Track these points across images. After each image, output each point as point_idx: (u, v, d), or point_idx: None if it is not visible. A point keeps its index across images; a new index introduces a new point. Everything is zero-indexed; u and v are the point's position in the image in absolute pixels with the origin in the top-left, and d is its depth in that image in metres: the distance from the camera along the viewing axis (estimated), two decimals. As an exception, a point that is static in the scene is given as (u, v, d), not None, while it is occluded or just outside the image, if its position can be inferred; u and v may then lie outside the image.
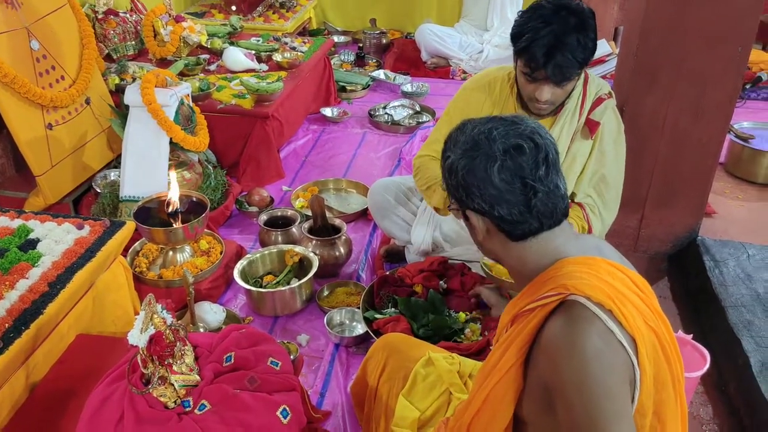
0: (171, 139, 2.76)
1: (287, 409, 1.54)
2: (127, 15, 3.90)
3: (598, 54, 3.73)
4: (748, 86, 4.36)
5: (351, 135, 3.99)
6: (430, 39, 4.89)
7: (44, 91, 2.77)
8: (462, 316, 2.23)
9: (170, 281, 2.46)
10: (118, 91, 3.29)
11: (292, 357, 2.04)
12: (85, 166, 3.04)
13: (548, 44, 1.84)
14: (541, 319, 1.13)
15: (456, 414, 1.37)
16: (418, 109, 4.22)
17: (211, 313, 2.31)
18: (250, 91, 3.36)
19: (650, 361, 1.11)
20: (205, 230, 2.63)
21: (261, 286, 2.52)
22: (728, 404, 2.16)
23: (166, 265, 2.54)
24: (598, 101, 2.15)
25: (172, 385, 1.51)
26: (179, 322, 1.57)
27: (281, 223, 2.85)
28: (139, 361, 1.52)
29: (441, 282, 2.36)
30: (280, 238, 2.77)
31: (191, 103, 2.96)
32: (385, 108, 4.21)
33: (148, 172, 2.73)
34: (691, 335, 2.08)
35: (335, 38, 5.31)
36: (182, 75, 3.60)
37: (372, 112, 4.17)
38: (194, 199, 2.58)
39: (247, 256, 2.61)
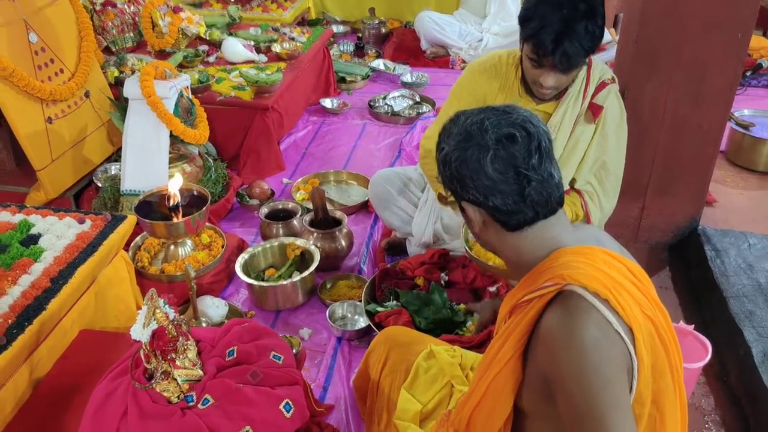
0: (171, 131, 2.75)
1: (290, 403, 1.54)
2: (125, 6, 3.88)
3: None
4: (748, 73, 4.34)
5: (351, 126, 3.98)
6: (429, 27, 4.88)
7: (43, 84, 2.76)
8: (462, 307, 2.24)
9: (172, 276, 2.46)
10: (117, 84, 3.28)
11: (294, 351, 2.05)
12: (86, 160, 3.03)
13: (557, 31, 1.83)
14: (538, 310, 1.14)
15: (457, 406, 1.38)
16: (418, 99, 4.21)
17: (213, 308, 2.32)
18: (250, 82, 3.35)
19: (647, 350, 1.11)
20: (207, 224, 2.63)
21: (263, 280, 2.52)
22: (730, 395, 2.17)
23: (168, 260, 2.54)
24: (601, 86, 2.15)
25: (175, 379, 1.52)
26: (181, 316, 1.57)
27: (282, 216, 2.85)
28: (142, 356, 1.52)
29: (442, 274, 2.37)
30: (281, 231, 2.77)
31: (191, 96, 2.95)
32: (384, 99, 4.20)
33: (149, 165, 2.72)
34: (693, 326, 2.09)
35: (334, 28, 5.29)
36: (181, 67, 3.59)
37: (372, 103, 4.16)
38: (195, 192, 2.58)
39: (249, 249, 2.61)
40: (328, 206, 2.80)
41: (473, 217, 1.21)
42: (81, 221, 2.14)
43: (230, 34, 4.05)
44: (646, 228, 2.79)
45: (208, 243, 2.63)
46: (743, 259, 2.52)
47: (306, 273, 2.47)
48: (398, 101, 4.15)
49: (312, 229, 2.66)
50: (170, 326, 1.51)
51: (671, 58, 2.42)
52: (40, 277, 1.87)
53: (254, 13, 4.83)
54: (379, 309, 2.26)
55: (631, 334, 1.09)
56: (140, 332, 1.50)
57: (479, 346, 2.03)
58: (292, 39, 4.07)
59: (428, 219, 2.52)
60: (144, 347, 1.51)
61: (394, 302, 2.28)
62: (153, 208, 2.52)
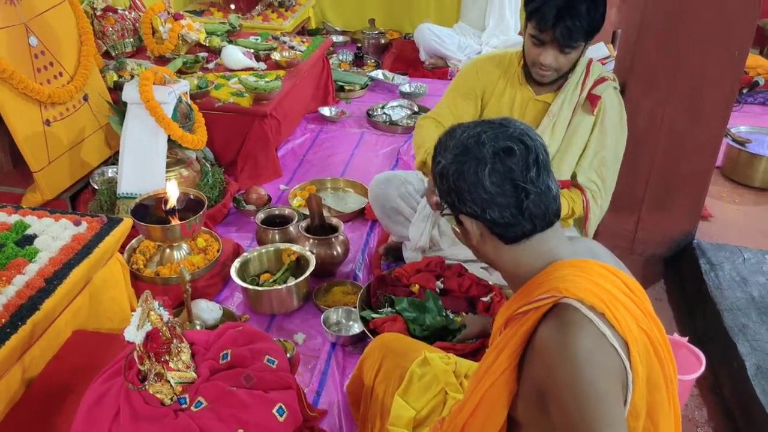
0: (169, 136, 2.76)
1: (283, 407, 1.54)
2: (126, 12, 3.90)
3: (596, 57, 3.74)
4: (745, 91, 4.38)
5: (349, 135, 3.99)
6: (429, 39, 4.90)
7: (42, 87, 2.77)
8: (458, 320, 2.24)
9: (167, 278, 2.46)
10: (116, 88, 3.29)
11: (288, 355, 2.04)
12: (83, 163, 3.04)
13: (559, 6, 1.95)
14: (534, 322, 1.14)
15: (450, 415, 1.38)
16: (416, 109, 4.22)
17: (207, 311, 2.31)
18: (248, 89, 3.36)
19: (643, 363, 1.11)
20: (203, 228, 2.63)
21: (258, 285, 2.52)
22: (723, 407, 2.17)
23: (163, 263, 2.54)
24: (600, 80, 2.24)
25: (169, 381, 1.51)
26: (176, 319, 1.57)
27: (278, 222, 2.85)
28: (136, 358, 1.52)
29: (438, 282, 2.36)
30: (277, 237, 2.77)
31: (189, 101, 2.96)
32: (383, 108, 4.21)
33: (146, 169, 2.72)
34: (687, 338, 2.09)
35: (334, 38, 5.32)
36: (181, 73, 3.60)
37: (370, 112, 4.18)
38: (192, 196, 2.58)
39: (244, 254, 2.61)
40: (325, 213, 2.80)
41: (471, 230, 1.21)
42: (77, 223, 2.13)
43: (230, 42, 4.07)
44: (641, 241, 2.80)
45: (203, 247, 2.63)
46: (737, 272, 2.52)
47: (301, 278, 2.47)
48: (396, 111, 4.16)
49: (308, 236, 2.66)
50: (164, 328, 1.50)
51: (668, 74, 2.44)
52: (34, 278, 1.86)
53: (255, 22, 4.85)
54: (374, 315, 2.26)
55: (626, 347, 1.09)
56: (134, 334, 1.49)
57: (474, 353, 2.03)
58: (292, 48, 4.09)
59: (425, 224, 2.53)
60: (138, 349, 1.50)
61: (389, 309, 2.27)
62: (149, 211, 2.52)
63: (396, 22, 5.69)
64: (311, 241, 2.64)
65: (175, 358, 1.53)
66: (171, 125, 2.74)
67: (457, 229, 1.28)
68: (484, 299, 2.30)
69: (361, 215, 3.11)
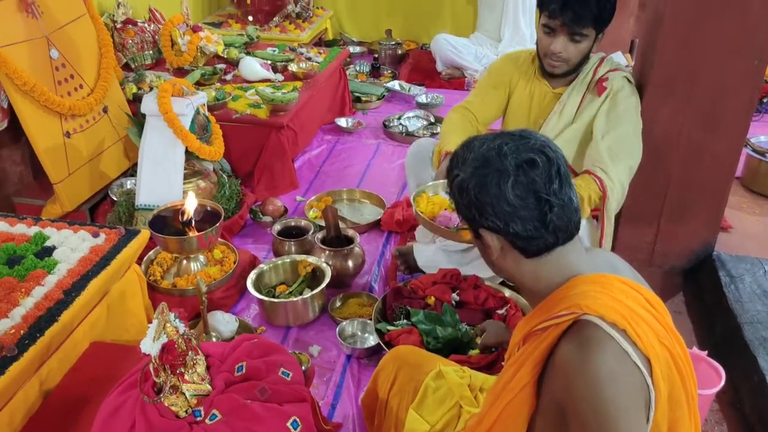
0: (186, 148, 2.78)
1: (297, 420, 1.54)
2: (146, 25, 3.95)
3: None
4: (765, 100, 4.33)
5: (365, 145, 4.00)
6: (446, 49, 4.90)
7: (63, 99, 2.80)
8: (473, 332, 2.22)
9: (184, 290, 2.48)
10: (135, 100, 3.33)
11: (303, 368, 2.05)
12: (102, 174, 3.07)
13: None
14: (554, 339, 1.12)
15: (466, 430, 1.37)
16: (432, 120, 4.22)
17: (223, 323, 2.32)
18: (266, 100, 3.38)
19: (665, 380, 1.10)
20: (219, 239, 2.65)
21: (274, 296, 2.52)
22: (743, 422, 2.13)
23: (180, 274, 2.55)
24: (613, 69, 2.37)
25: (184, 394, 1.52)
26: (192, 331, 1.57)
27: (295, 233, 2.86)
28: (152, 370, 1.52)
29: (453, 294, 2.36)
30: (293, 248, 2.78)
31: (207, 113, 2.99)
32: (399, 119, 4.21)
33: (164, 180, 2.75)
34: (706, 352, 2.06)
35: (351, 49, 5.34)
36: (199, 84, 3.63)
37: (386, 123, 4.18)
38: (209, 208, 2.60)
39: (261, 265, 2.62)
40: (341, 224, 2.80)
41: (492, 244, 1.20)
42: (95, 235, 2.15)
43: (248, 53, 4.10)
44: (660, 253, 2.77)
45: (220, 258, 2.64)
46: (758, 285, 2.49)
47: (317, 290, 2.47)
48: (413, 121, 4.17)
49: (324, 247, 2.66)
50: (180, 340, 1.51)
51: (686, 84, 2.42)
52: (53, 289, 1.88)
53: (272, 34, 4.88)
54: (390, 328, 2.25)
55: (648, 364, 1.08)
56: (150, 346, 1.50)
57: (489, 367, 2.02)
58: (309, 59, 4.11)
59: None
60: (153, 361, 1.51)
61: (405, 321, 2.27)
62: (167, 222, 2.54)
63: (413, 32, 5.71)
64: (327, 252, 2.65)
65: (190, 371, 1.53)
66: (189, 137, 2.76)
67: (474, 244, 1.27)
68: (500, 312, 2.29)
69: (376, 226, 3.12)
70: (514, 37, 4.89)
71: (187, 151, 2.80)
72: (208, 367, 1.61)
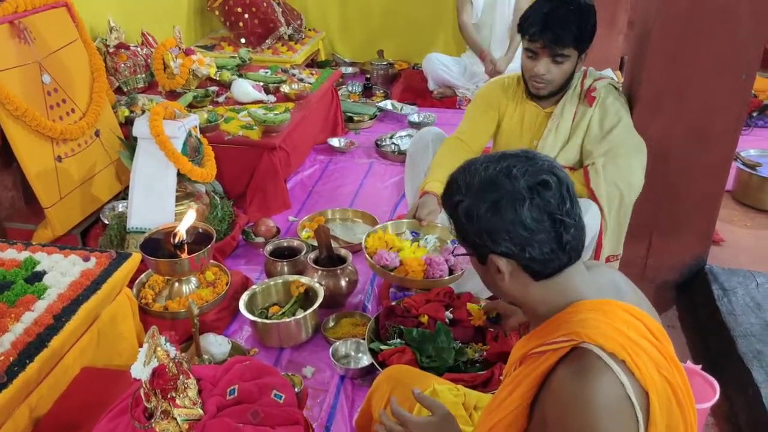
0: (178, 170, 2.78)
1: (290, 442, 1.53)
2: (138, 48, 3.96)
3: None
4: (755, 114, 4.37)
5: (358, 165, 4.01)
6: (437, 68, 4.93)
7: (55, 123, 2.81)
8: (469, 351, 2.21)
9: (176, 313, 2.46)
10: (127, 123, 3.33)
11: (296, 390, 2.03)
12: (93, 198, 3.06)
13: (546, 13, 2.18)
14: (551, 364, 1.12)
15: (460, 448, 1.36)
16: (424, 138, 4.23)
17: (216, 345, 2.31)
18: (258, 122, 3.39)
19: (663, 412, 1.09)
20: (211, 261, 2.64)
21: (267, 317, 2.51)
22: (740, 436, 2.13)
23: (172, 297, 2.54)
24: (599, 78, 2.43)
25: (175, 419, 1.51)
26: (183, 354, 1.56)
27: (287, 254, 2.86)
28: (143, 395, 1.51)
29: (447, 312, 2.35)
30: (286, 269, 2.78)
31: (199, 135, 2.99)
32: (391, 138, 4.23)
33: (156, 203, 2.74)
34: (700, 366, 2.06)
35: (343, 69, 5.37)
36: (191, 107, 3.64)
37: (379, 142, 4.20)
38: (200, 230, 2.59)
39: (253, 287, 2.61)
40: (333, 244, 2.80)
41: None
42: (86, 259, 2.15)
43: (240, 75, 4.12)
44: (652, 267, 2.77)
45: (212, 280, 2.63)
46: (751, 298, 2.49)
47: (310, 311, 2.46)
48: (405, 140, 4.18)
49: (316, 267, 2.65)
50: (171, 364, 1.50)
51: (675, 99, 2.44)
52: (42, 314, 1.87)
53: (265, 55, 4.90)
54: (383, 347, 2.24)
55: (645, 397, 1.07)
56: (140, 370, 1.49)
57: (483, 384, 2.01)
58: (301, 80, 4.13)
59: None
60: (144, 386, 1.50)
61: (398, 340, 2.26)
62: (159, 245, 2.53)
63: (404, 52, 5.74)
64: (320, 272, 2.64)
65: (181, 395, 1.52)
66: (180, 159, 2.76)
67: (476, 270, 1.25)
68: (493, 329, 2.27)
69: (370, 245, 3.11)
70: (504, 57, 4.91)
71: (179, 174, 2.80)
72: (199, 391, 1.60)
